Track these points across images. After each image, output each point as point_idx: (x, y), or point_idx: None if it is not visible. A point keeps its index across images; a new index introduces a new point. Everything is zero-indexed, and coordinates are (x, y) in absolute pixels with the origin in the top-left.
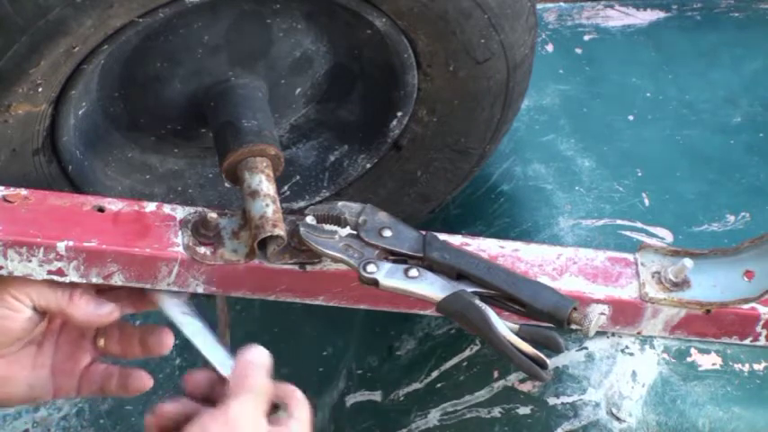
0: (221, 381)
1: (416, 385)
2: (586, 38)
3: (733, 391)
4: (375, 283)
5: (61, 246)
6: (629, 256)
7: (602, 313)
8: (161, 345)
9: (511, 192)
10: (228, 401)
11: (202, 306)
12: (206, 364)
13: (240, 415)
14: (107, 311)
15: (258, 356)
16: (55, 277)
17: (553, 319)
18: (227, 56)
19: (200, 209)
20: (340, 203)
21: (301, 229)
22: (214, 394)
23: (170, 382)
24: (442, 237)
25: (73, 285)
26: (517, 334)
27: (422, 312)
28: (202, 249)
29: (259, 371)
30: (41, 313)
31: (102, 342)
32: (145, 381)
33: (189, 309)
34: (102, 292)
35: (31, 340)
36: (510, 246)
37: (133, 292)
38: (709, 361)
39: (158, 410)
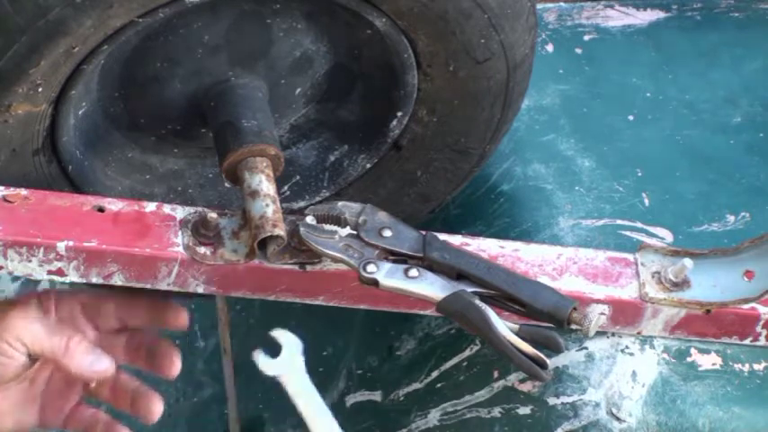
0: None
1: (416, 385)
2: (586, 38)
3: (733, 391)
4: (375, 283)
5: (61, 246)
6: (629, 256)
7: (602, 313)
8: (149, 412)
9: (511, 192)
10: None
11: (203, 306)
12: None
13: None
14: (103, 368)
15: None
16: (55, 277)
17: (553, 319)
18: (227, 56)
19: (200, 209)
20: (340, 203)
21: (301, 229)
22: None
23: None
24: (442, 237)
25: (70, 332)
26: (517, 334)
27: (422, 312)
28: (202, 249)
29: None
30: (35, 358)
31: (93, 384)
32: None
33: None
34: (102, 337)
35: (24, 377)
36: (510, 246)
37: (133, 344)
38: (709, 361)
39: None
